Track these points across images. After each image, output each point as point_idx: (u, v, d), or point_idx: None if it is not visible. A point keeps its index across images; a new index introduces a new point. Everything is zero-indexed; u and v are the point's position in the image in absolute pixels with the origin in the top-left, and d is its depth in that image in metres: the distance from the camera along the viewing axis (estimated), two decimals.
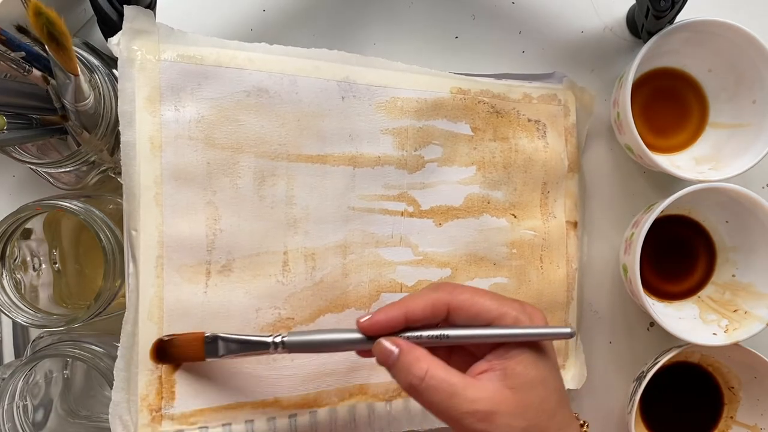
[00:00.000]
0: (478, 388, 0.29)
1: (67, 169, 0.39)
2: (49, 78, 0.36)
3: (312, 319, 0.39)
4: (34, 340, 0.42)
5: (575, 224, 0.47)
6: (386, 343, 0.31)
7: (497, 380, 0.30)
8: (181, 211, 0.35)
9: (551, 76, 0.47)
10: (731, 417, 0.47)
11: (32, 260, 0.41)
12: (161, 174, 0.35)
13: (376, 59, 0.41)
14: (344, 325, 0.39)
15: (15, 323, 0.44)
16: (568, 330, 0.31)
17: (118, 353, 0.34)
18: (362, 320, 0.31)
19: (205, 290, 0.36)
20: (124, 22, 0.35)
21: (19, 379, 0.39)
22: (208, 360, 0.34)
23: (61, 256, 0.42)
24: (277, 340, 0.32)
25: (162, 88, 0.35)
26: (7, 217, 0.37)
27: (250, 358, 0.37)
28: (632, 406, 0.44)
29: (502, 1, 0.48)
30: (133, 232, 0.35)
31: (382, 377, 0.40)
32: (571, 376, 0.46)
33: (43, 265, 0.41)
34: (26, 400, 0.40)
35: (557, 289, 0.45)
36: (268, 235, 0.38)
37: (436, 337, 0.31)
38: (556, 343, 0.45)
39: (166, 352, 0.35)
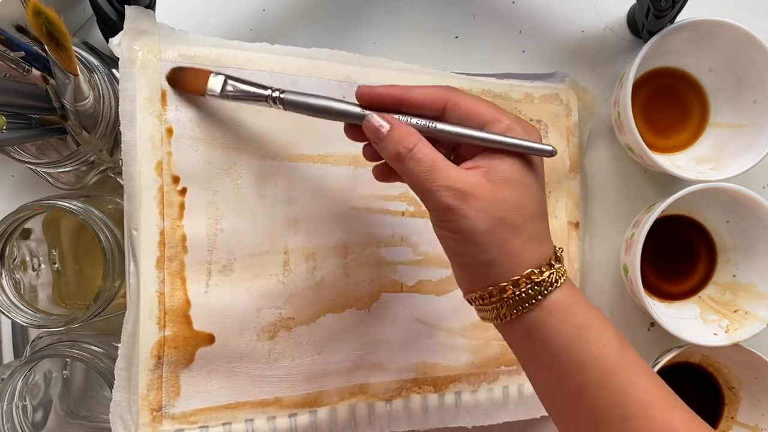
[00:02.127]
0: (460, 172, 0.30)
1: (67, 169, 0.39)
2: (49, 78, 0.36)
3: (313, 319, 0.39)
4: (33, 341, 0.42)
5: (577, 224, 0.47)
6: (378, 117, 0.31)
7: (480, 175, 0.30)
8: (182, 210, 0.35)
9: (552, 76, 0.47)
10: (732, 417, 0.47)
11: (31, 260, 0.41)
12: (162, 174, 0.35)
13: (377, 59, 0.41)
14: (345, 326, 0.39)
15: (14, 323, 0.44)
16: (549, 148, 0.31)
17: (119, 352, 0.34)
18: (362, 86, 0.32)
19: (206, 290, 0.36)
20: (125, 22, 0.35)
21: (19, 380, 0.39)
22: (208, 95, 0.33)
23: (60, 256, 0.42)
24: (275, 94, 0.32)
25: (163, 87, 0.35)
26: (6, 217, 0.37)
27: (252, 358, 0.37)
28: None
29: (502, 1, 0.48)
30: (134, 232, 0.35)
31: (381, 377, 0.40)
32: None
33: (43, 265, 0.41)
34: (26, 401, 0.40)
35: None
36: (269, 235, 0.38)
37: (426, 126, 0.31)
38: None
39: (177, 79, 0.35)
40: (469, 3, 0.48)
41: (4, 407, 0.39)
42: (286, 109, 0.32)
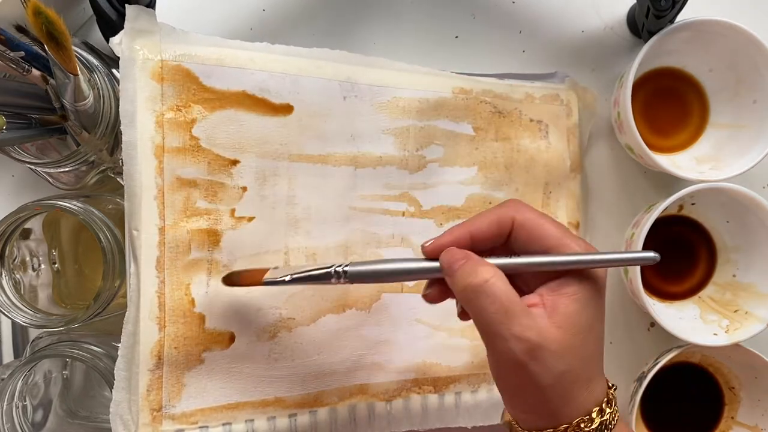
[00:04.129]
0: (532, 317, 0.28)
1: (67, 169, 0.39)
2: (48, 78, 0.35)
3: (313, 320, 0.39)
4: (33, 341, 0.42)
5: (577, 225, 0.47)
6: (456, 250, 0.30)
7: (546, 316, 0.28)
8: (183, 211, 0.35)
9: (553, 76, 0.47)
10: (732, 417, 0.47)
11: (31, 260, 0.41)
12: (163, 174, 0.35)
13: (377, 59, 0.41)
14: (345, 327, 0.39)
15: (14, 323, 0.44)
16: (652, 254, 0.29)
17: (119, 353, 0.34)
18: (427, 244, 0.31)
19: (206, 290, 0.36)
20: (125, 21, 0.35)
21: (19, 380, 0.39)
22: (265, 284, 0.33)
23: (60, 256, 0.42)
24: (339, 269, 0.31)
25: (164, 88, 0.35)
26: (6, 217, 0.37)
27: (252, 359, 0.37)
28: (633, 406, 0.44)
29: (502, 1, 0.48)
30: (135, 232, 0.35)
31: (382, 377, 0.40)
32: None
33: (43, 265, 0.41)
34: (25, 401, 0.40)
35: None
36: (269, 235, 0.38)
37: (504, 264, 0.29)
38: None
39: (233, 280, 0.35)
40: (469, 3, 0.48)
41: (4, 407, 0.39)
42: (352, 282, 0.31)
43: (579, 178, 0.47)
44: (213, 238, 0.36)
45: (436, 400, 0.42)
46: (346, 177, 0.40)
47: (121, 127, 0.34)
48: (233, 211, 0.37)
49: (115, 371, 0.34)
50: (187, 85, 0.36)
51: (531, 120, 0.45)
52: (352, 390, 0.40)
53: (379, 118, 0.40)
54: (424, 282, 0.41)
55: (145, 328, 0.34)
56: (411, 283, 0.41)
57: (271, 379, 0.37)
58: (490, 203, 0.43)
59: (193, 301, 0.36)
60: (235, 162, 0.37)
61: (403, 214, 0.41)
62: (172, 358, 0.35)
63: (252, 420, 0.37)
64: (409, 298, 0.41)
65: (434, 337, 0.42)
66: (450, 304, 0.41)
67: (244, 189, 0.37)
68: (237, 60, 0.37)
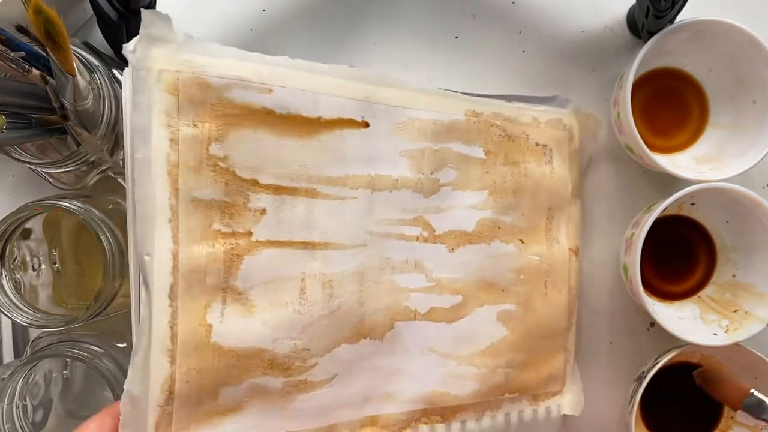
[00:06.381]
0: None
1: (67, 169, 0.39)
2: (48, 78, 0.35)
3: (328, 350, 0.37)
4: (33, 341, 0.42)
5: (576, 250, 0.47)
6: None
7: None
8: (198, 235, 0.33)
9: (553, 100, 0.47)
10: (732, 417, 0.47)
11: (32, 260, 0.41)
12: (178, 195, 0.33)
13: (394, 77, 0.40)
14: (359, 356, 0.38)
15: (14, 323, 0.44)
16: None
17: (125, 386, 0.32)
18: None
19: (221, 320, 0.34)
20: (141, 27, 0.32)
21: (19, 380, 0.39)
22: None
23: (60, 256, 0.42)
24: None
25: (180, 101, 0.33)
26: (6, 217, 0.37)
27: (266, 392, 0.35)
28: (633, 406, 0.44)
29: (502, 1, 0.48)
30: (146, 258, 0.32)
31: (392, 408, 0.40)
32: (567, 402, 0.46)
33: (43, 265, 0.41)
34: (26, 401, 0.40)
35: (559, 315, 0.45)
36: (286, 261, 0.36)
37: None
38: (553, 367, 0.45)
39: (706, 378, 0.37)
40: (469, 3, 0.48)
41: (4, 407, 0.39)
42: None
43: (578, 203, 0.47)
44: (229, 263, 0.34)
45: (443, 430, 0.41)
46: (364, 201, 0.38)
47: (135, 143, 0.32)
48: (250, 234, 0.35)
49: (120, 407, 0.32)
50: (205, 100, 0.33)
51: (537, 144, 0.44)
52: (363, 422, 0.39)
53: (397, 139, 0.39)
54: (435, 309, 0.41)
55: (157, 361, 0.32)
56: (423, 311, 0.40)
57: (284, 413, 0.36)
58: (499, 228, 0.43)
59: (209, 331, 0.33)
60: (254, 183, 0.35)
61: (417, 238, 0.40)
62: (183, 393, 0.33)
63: None
64: (422, 326, 0.40)
65: (445, 366, 0.41)
66: (460, 330, 0.41)
67: (263, 212, 0.35)
68: (258, 74, 0.35)
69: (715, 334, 0.43)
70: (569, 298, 0.46)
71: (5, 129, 0.35)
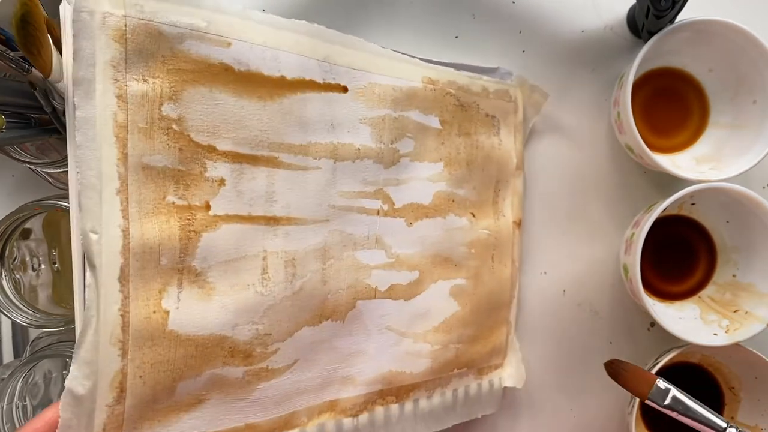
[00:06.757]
0: None
1: (66, 169, 0.39)
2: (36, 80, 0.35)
3: (290, 334, 0.35)
4: (33, 341, 0.42)
5: (519, 223, 0.47)
6: None
7: None
8: (150, 209, 0.29)
9: (496, 71, 0.47)
10: (732, 417, 0.47)
11: (31, 260, 0.41)
12: (126, 162, 0.28)
13: (355, 40, 0.38)
14: (320, 339, 0.37)
15: (14, 323, 0.44)
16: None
17: (66, 384, 0.28)
18: None
19: (177, 305, 0.30)
20: None
21: (19, 380, 0.39)
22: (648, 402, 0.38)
23: (60, 256, 0.42)
24: (734, 430, 0.34)
25: (129, 52, 0.28)
26: (6, 217, 0.37)
27: (225, 383, 0.32)
28: (633, 406, 0.44)
29: (502, 0, 0.48)
30: (92, 235, 0.28)
31: (350, 391, 0.38)
32: (509, 374, 0.47)
33: (42, 265, 0.41)
34: (26, 401, 0.40)
35: (504, 289, 0.46)
36: (246, 238, 0.33)
37: None
38: (497, 340, 0.46)
39: (615, 370, 0.38)
40: (469, 3, 0.48)
41: (4, 407, 0.39)
42: None
43: (522, 176, 0.47)
44: (185, 241, 0.30)
45: (397, 410, 0.41)
46: (327, 171, 0.36)
47: (75, 99, 0.28)
48: (208, 208, 0.31)
49: (60, 409, 0.28)
50: (156, 51, 0.29)
51: (486, 115, 0.44)
52: (322, 408, 0.37)
53: (357, 105, 0.37)
54: (395, 286, 0.40)
55: (105, 355, 0.28)
56: (383, 288, 0.39)
57: (243, 403, 0.33)
58: (453, 201, 0.42)
59: (165, 318, 0.30)
60: (211, 149, 0.31)
61: (378, 212, 0.39)
62: (136, 390, 0.29)
63: None
64: (381, 304, 0.39)
65: (401, 345, 0.40)
66: (417, 307, 0.41)
67: (221, 182, 0.32)
68: (215, 25, 0.31)
69: (715, 334, 0.43)
70: (512, 270, 0.46)
71: (5, 129, 0.34)
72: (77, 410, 0.28)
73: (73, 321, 0.38)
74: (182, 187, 0.30)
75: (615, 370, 0.41)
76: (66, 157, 0.38)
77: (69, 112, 0.28)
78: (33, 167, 0.40)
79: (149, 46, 0.29)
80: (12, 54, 0.34)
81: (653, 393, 0.39)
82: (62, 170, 0.40)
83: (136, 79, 0.29)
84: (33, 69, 0.35)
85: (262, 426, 0.34)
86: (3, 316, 0.44)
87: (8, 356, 0.45)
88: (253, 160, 0.33)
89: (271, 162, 0.33)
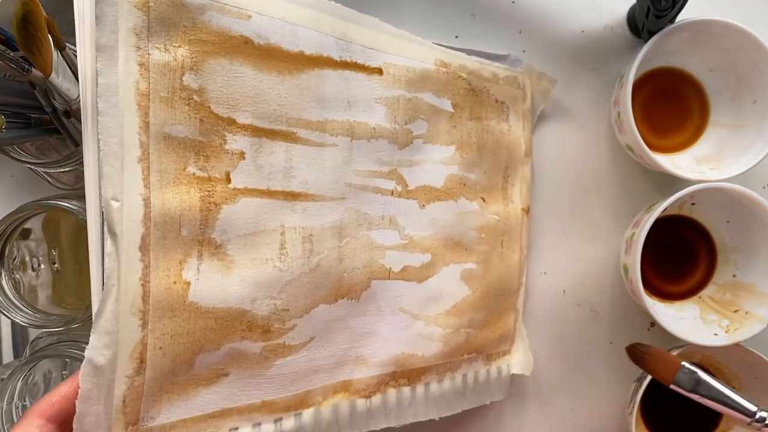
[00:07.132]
0: None
1: (66, 169, 0.39)
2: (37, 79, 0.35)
3: (307, 310, 0.35)
4: (33, 341, 0.42)
5: (527, 210, 0.47)
6: None
7: None
8: (171, 178, 0.29)
9: (506, 58, 0.47)
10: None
11: (31, 260, 0.41)
12: (148, 130, 0.28)
13: (371, 19, 0.38)
14: (336, 318, 0.37)
15: (14, 323, 0.44)
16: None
17: (86, 353, 0.28)
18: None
19: (197, 277, 0.30)
20: None
21: (18, 380, 0.39)
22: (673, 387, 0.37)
23: (60, 256, 0.42)
24: (765, 414, 0.33)
25: (151, 20, 0.28)
26: (5, 216, 0.37)
27: (242, 358, 0.33)
28: (633, 406, 0.44)
29: (502, 1, 0.48)
30: (114, 203, 0.28)
31: (364, 372, 0.39)
32: (516, 361, 0.47)
33: (42, 265, 0.41)
34: (26, 401, 0.40)
35: (513, 275, 0.46)
36: (265, 212, 0.33)
37: None
38: (505, 327, 0.46)
39: (636, 353, 0.36)
40: (469, 3, 0.48)
41: (4, 407, 0.39)
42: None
43: (530, 162, 0.47)
44: (206, 213, 0.30)
45: (408, 393, 0.41)
46: (343, 149, 0.36)
47: (98, 65, 0.27)
48: (228, 180, 0.31)
49: (80, 379, 0.28)
50: (178, 21, 0.29)
51: (496, 101, 0.44)
52: (336, 387, 0.37)
53: (373, 84, 0.37)
54: (408, 268, 0.40)
55: (126, 325, 0.28)
56: (397, 269, 0.39)
57: (260, 380, 0.33)
58: (464, 185, 0.42)
59: (185, 290, 0.30)
60: (231, 122, 0.31)
61: (392, 193, 0.39)
62: (156, 362, 0.29)
63: (237, 428, 0.33)
64: (395, 285, 0.39)
65: (413, 327, 0.40)
66: (429, 290, 0.41)
67: (241, 155, 0.31)
68: None
69: (715, 334, 0.43)
70: (520, 257, 0.46)
71: (5, 129, 0.34)
72: (97, 380, 0.28)
73: (72, 321, 0.38)
74: (202, 159, 0.30)
75: (638, 354, 0.40)
76: (66, 157, 0.38)
77: (85, 79, 0.28)
78: (33, 167, 0.40)
79: (171, 16, 0.29)
80: (12, 54, 0.34)
81: (679, 377, 0.38)
82: (62, 170, 0.40)
83: (158, 48, 0.29)
84: (33, 69, 0.35)
85: (278, 403, 0.35)
86: (3, 316, 0.44)
87: (8, 356, 0.45)
88: (271, 134, 0.33)
89: (290, 137, 0.33)
